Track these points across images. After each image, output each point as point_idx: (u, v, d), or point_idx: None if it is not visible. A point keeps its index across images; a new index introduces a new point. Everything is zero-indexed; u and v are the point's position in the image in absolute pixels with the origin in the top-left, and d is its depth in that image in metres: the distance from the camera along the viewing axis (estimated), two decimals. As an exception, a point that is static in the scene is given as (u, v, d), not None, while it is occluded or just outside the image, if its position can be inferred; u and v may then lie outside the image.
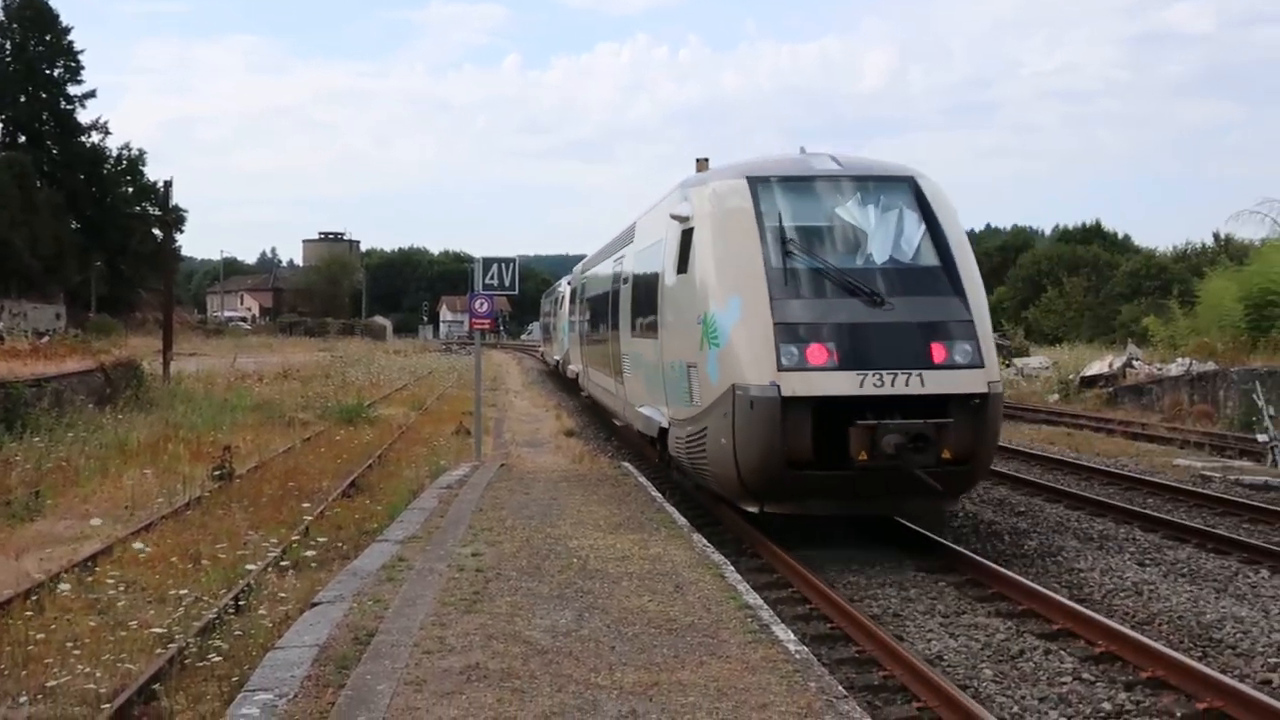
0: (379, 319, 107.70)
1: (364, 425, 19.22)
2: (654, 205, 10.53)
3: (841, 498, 7.49)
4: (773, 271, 7.36)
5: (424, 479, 12.75)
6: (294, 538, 9.48)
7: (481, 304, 14.39)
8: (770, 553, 7.86)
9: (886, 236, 7.70)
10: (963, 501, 10.25)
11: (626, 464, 14.20)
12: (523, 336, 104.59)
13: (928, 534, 8.25)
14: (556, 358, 31.37)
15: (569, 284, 25.77)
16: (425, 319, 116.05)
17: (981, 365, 7.38)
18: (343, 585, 7.12)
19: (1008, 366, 31.45)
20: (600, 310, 14.92)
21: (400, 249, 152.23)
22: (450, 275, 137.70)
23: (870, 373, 6.99)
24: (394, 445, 16.83)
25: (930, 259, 7.66)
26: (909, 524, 8.45)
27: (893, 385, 7.01)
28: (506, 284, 14.12)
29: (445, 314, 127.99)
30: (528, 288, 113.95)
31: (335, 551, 9.28)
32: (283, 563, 8.52)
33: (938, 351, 7.16)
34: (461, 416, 21.12)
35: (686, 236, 8.37)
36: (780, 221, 7.77)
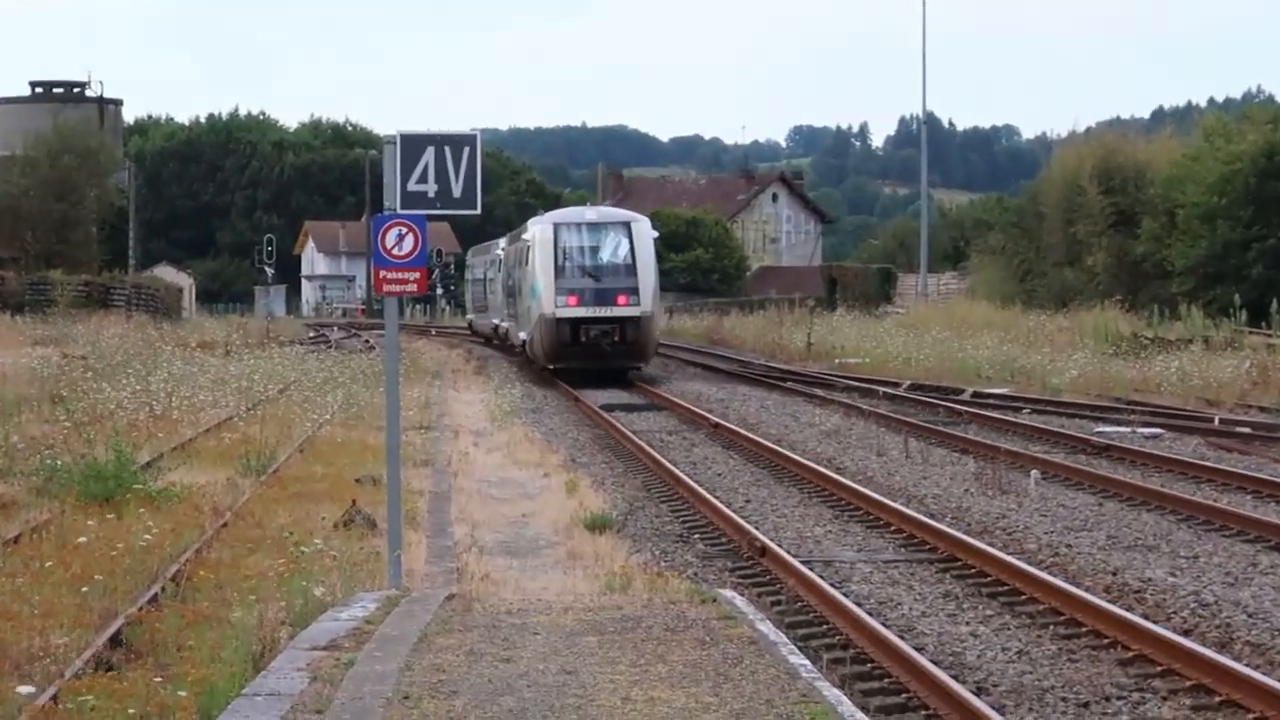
0: (167, 271, 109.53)
1: (138, 508, 19.58)
2: (526, 224, 62.25)
3: (581, 360, 53.62)
4: (558, 267, 54.04)
5: (277, 627, 13.22)
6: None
7: (400, 238, 15.02)
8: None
9: (609, 251, 55.88)
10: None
11: (726, 592, 14.90)
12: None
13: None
14: (495, 321, 69.82)
15: (501, 251, 67.02)
16: (269, 269, 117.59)
17: (640, 306, 53.22)
18: None
19: None
20: (510, 282, 65.44)
21: (211, 118, 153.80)
22: (323, 175, 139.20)
23: (592, 308, 53.15)
24: (207, 553, 17.43)
25: (628, 261, 54.95)
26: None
27: (600, 311, 53.16)
28: (455, 195, 14.82)
29: (313, 260, 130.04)
30: (500, 200, 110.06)
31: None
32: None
33: (620, 299, 53.55)
34: (354, 488, 21.63)
35: (530, 249, 56.18)
36: (564, 245, 55.42)
